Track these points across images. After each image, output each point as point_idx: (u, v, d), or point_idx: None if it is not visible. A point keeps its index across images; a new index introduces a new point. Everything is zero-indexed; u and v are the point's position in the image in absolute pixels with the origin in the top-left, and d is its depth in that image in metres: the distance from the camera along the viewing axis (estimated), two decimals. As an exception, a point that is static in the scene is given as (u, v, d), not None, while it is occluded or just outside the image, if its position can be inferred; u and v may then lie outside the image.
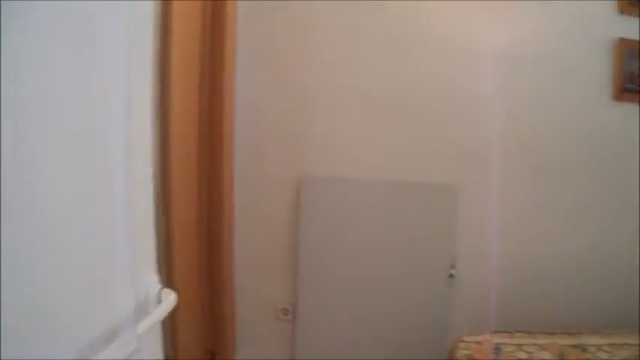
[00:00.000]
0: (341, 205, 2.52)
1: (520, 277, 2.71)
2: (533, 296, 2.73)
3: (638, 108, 2.60)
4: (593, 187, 2.70)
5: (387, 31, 2.46)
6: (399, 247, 2.56)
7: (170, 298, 1.04)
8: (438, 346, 2.65)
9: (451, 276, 2.59)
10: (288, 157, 2.52)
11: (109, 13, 0.83)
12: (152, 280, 1.05)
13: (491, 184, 2.61)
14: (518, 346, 2.27)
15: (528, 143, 2.59)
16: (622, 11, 2.47)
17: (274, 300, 2.62)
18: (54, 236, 0.73)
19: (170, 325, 1.86)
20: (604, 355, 2.36)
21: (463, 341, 2.26)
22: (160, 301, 1.02)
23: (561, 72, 2.55)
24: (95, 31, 0.80)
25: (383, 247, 2.56)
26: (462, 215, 2.61)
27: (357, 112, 2.50)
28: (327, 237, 2.52)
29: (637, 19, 2.50)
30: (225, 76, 2.27)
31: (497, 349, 2.25)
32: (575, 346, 2.35)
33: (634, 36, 2.50)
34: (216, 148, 2.29)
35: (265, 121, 2.51)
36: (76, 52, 0.76)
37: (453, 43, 2.48)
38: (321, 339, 2.59)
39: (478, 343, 2.26)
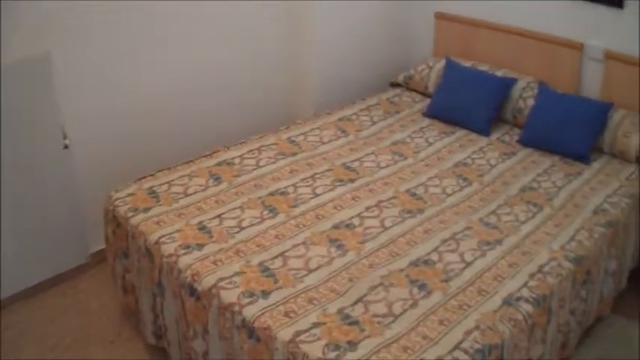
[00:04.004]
0: None
1: (138, 127, 2.85)
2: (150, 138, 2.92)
3: None
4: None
5: None
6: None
7: None
8: (76, 223, 2.71)
9: (66, 147, 2.57)
10: None
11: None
12: None
13: (86, 46, 2.54)
14: (169, 183, 2.46)
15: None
16: None
17: None
18: None
19: None
20: (251, 162, 2.72)
21: (117, 198, 2.34)
22: None
23: None
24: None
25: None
26: (63, 83, 2.50)
27: None
28: None
29: None
30: None
31: (153, 192, 2.41)
32: (221, 164, 2.63)
33: None
34: None
35: None
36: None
37: None
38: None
39: (132, 194, 2.38)
